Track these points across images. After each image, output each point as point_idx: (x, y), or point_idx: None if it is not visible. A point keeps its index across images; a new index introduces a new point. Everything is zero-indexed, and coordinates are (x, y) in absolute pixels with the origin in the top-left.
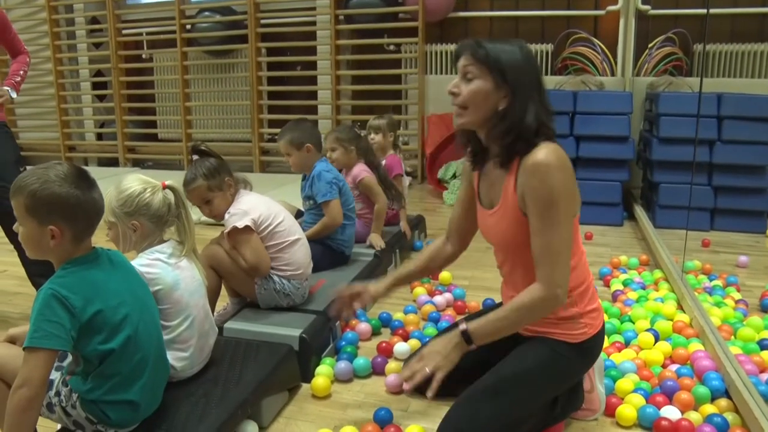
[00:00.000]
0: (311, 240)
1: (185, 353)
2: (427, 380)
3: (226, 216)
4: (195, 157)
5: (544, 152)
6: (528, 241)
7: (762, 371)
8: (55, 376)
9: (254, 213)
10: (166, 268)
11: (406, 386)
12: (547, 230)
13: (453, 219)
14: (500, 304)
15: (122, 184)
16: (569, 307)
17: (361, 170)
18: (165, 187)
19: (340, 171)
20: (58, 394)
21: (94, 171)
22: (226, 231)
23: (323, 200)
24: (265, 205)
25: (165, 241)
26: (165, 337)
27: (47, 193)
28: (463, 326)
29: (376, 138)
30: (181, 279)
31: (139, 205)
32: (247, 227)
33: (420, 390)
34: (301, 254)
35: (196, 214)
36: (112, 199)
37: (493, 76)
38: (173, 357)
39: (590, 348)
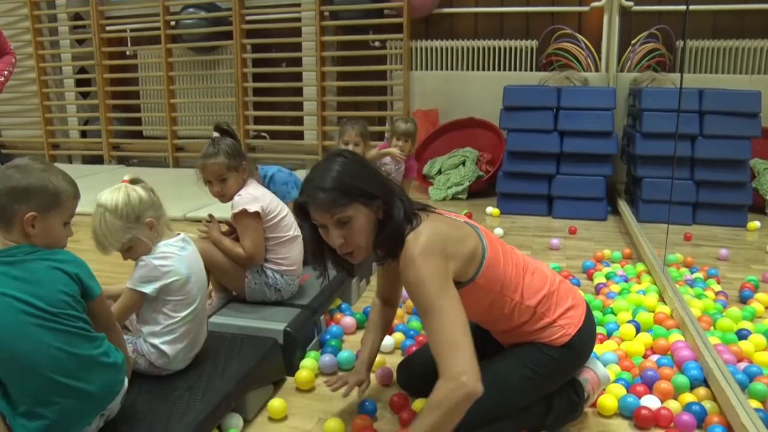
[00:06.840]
0: None
1: (181, 344)
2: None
3: (236, 198)
4: (216, 134)
5: (410, 242)
6: (484, 304)
7: (740, 360)
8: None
9: (264, 201)
10: (180, 260)
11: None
12: (431, 320)
13: (382, 289)
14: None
15: (106, 204)
16: (538, 321)
17: None
18: (127, 182)
19: None
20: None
21: (78, 169)
22: (235, 211)
23: None
24: (271, 198)
25: (177, 235)
26: (170, 328)
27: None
28: None
29: (405, 147)
30: (193, 273)
31: (137, 205)
32: (256, 213)
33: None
34: (296, 252)
35: (180, 210)
36: (114, 220)
37: (357, 204)
38: (170, 348)
39: (577, 345)
